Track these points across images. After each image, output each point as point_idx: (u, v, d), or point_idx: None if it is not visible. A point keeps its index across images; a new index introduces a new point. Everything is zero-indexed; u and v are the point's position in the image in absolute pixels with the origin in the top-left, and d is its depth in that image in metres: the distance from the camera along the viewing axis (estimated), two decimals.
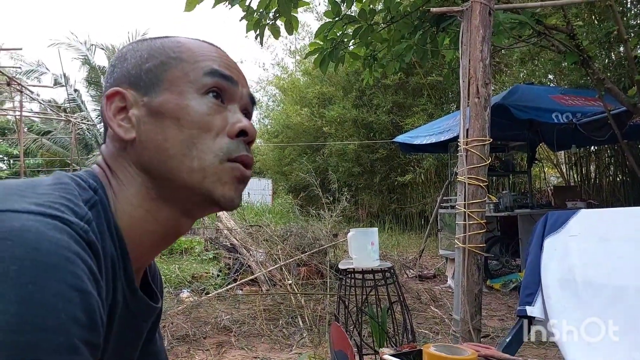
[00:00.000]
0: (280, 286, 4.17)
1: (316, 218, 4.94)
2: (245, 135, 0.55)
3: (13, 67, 11.48)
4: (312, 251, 4.46)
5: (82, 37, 17.42)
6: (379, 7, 3.58)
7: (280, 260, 4.38)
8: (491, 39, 2.08)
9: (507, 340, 1.55)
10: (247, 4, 3.05)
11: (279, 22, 3.17)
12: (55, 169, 13.23)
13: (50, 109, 13.97)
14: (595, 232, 1.55)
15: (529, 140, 5.81)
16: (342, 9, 3.23)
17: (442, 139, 5.14)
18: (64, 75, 15.30)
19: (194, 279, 4.55)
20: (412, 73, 10.17)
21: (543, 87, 6.33)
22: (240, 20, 3.14)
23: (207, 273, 4.70)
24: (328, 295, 3.77)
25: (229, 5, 2.97)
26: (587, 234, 1.56)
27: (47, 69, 15.48)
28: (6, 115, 15.30)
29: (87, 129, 16.05)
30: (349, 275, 2.49)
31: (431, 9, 2.36)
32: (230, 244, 5.17)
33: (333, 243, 4.69)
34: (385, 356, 1.03)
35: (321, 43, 3.43)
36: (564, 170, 8.88)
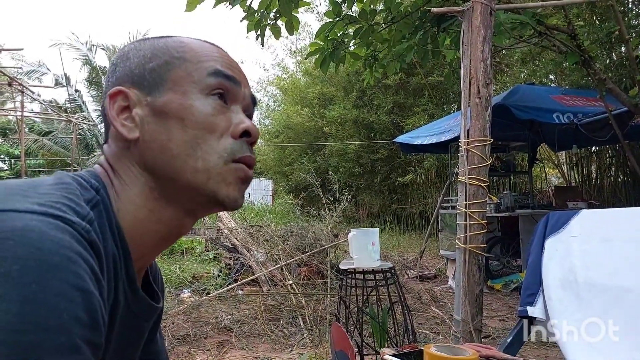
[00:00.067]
0: (281, 286, 4.16)
1: (317, 218, 4.94)
2: (248, 136, 0.55)
3: (14, 68, 11.50)
4: (312, 251, 4.46)
5: (83, 38, 17.55)
6: (380, 7, 3.58)
7: (280, 260, 4.38)
8: (492, 39, 2.08)
9: (508, 340, 1.56)
10: (247, 4, 3.06)
11: (279, 23, 3.17)
12: (56, 169, 13.23)
13: (51, 109, 13.98)
14: (596, 232, 1.55)
15: (530, 141, 5.81)
16: (343, 9, 3.23)
17: (442, 139, 5.14)
18: (65, 75, 15.33)
19: (194, 279, 4.55)
20: (413, 73, 10.18)
21: (544, 87, 6.33)
22: (241, 20, 3.15)
23: (207, 273, 4.70)
24: (329, 296, 3.76)
25: (230, 6, 2.98)
26: (588, 235, 1.56)
27: (48, 69, 15.52)
28: (7, 115, 15.36)
29: (88, 129, 16.06)
30: (350, 276, 2.48)
31: (432, 9, 2.36)
32: (231, 244, 5.17)
33: (334, 243, 4.69)
34: (386, 356, 1.03)
35: (322, 43, 3.44)
36: (565, 171, 8.88)
